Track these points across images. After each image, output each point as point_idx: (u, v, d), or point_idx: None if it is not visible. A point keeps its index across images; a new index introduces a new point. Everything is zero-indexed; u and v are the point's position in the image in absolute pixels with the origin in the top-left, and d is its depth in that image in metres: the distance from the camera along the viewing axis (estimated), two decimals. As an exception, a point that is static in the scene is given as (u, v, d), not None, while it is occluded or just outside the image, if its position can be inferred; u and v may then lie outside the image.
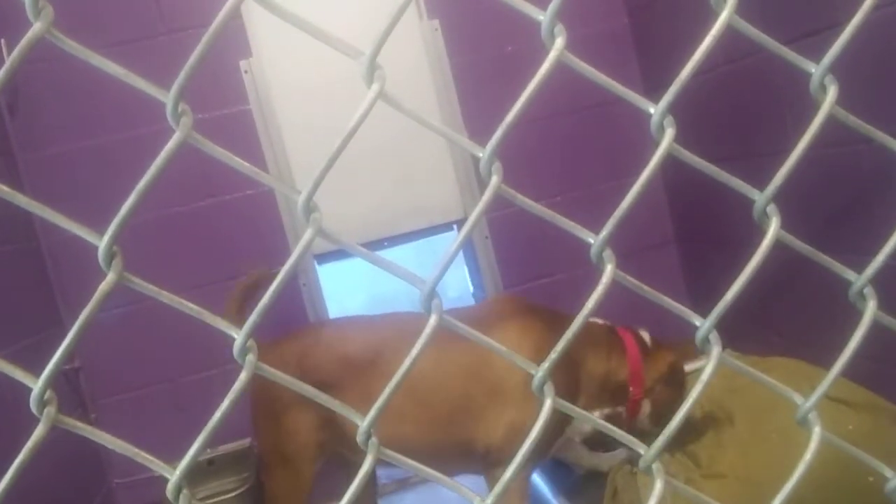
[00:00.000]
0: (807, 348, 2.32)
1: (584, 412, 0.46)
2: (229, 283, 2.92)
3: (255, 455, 2.97)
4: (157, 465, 0.38)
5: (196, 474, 2.91)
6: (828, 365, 1.78)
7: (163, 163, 0.37)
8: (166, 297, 0.37)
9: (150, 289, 0.37)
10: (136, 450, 0.39)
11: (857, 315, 0.50)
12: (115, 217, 0.37)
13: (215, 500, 2.76)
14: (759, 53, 2.30)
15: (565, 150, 3.12)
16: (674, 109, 0.44)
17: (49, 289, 2.83)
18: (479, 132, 2.99)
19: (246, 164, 0.38)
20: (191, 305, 0.38)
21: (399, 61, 2.94)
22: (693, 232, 3.09)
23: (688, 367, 2.49)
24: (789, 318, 2.37)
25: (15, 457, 0.44)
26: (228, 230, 2.93)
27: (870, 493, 1.62)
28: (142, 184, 0.36)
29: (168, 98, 0.37)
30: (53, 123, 2.81)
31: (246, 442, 2.98)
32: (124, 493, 2.91)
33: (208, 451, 2.98)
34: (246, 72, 2.90)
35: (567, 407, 0.44)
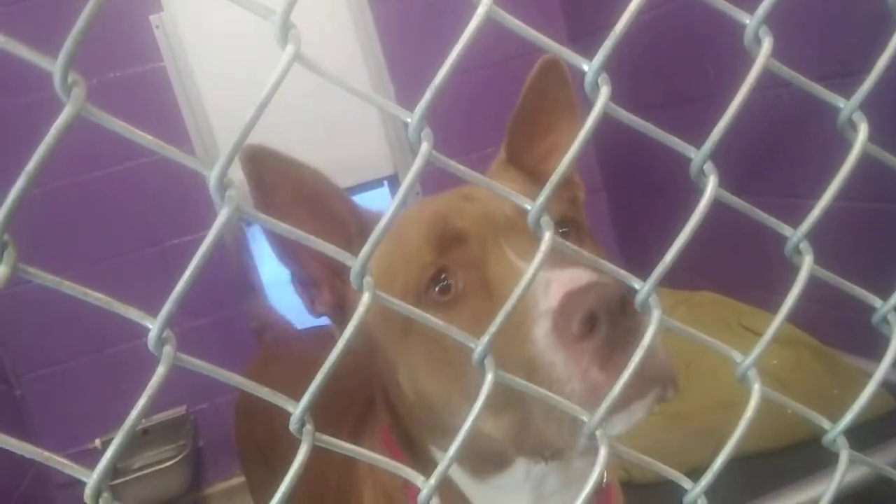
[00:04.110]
0: (732, 291, 2.40)
1: (525, 382, 0.45)
2: (151, 251, 2.83)
3: (191, 423, 2.92)
4: (71, 468, 0.35)
5: (131, 445, 2.84)
6: (751, 302, 1.82)
7: (54, 140, 0.33)
8: (68, 286, 0.34)
9: (50, 279, 0.34)
10: (47, 453, 0.35)
11: (779, 257, 0.50)
12: (3, 203, 0.34)
13: (151, 469, 2.71)
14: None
15: (492, 101, 3.08)
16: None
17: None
18: (407, 87, 2.92)
19: (148, 136, 0.35)
20: (98, 295, 0.35)
21: (318, 13, 2.84)
22: (621, 179, 3.12)
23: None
24: (715, 261, 2.43)
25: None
26: (149, 194, 2.82)
27: (785, 423, 1.69)
28: (31, 165, 0.33)
29: (56, 67, 0.33)
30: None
31: (181, 409, 2.93)
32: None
33: (143, 420, 2.91)
34: (157, 27, 2.75)
35: (510, 379, 0.42)
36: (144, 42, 2.75)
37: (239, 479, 2.98)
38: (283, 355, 1.60)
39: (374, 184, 3.05)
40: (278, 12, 0.35)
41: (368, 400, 1.01)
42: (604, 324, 0.57)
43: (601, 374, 0.57)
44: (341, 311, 0.86)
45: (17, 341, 2.81)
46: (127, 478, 2.72)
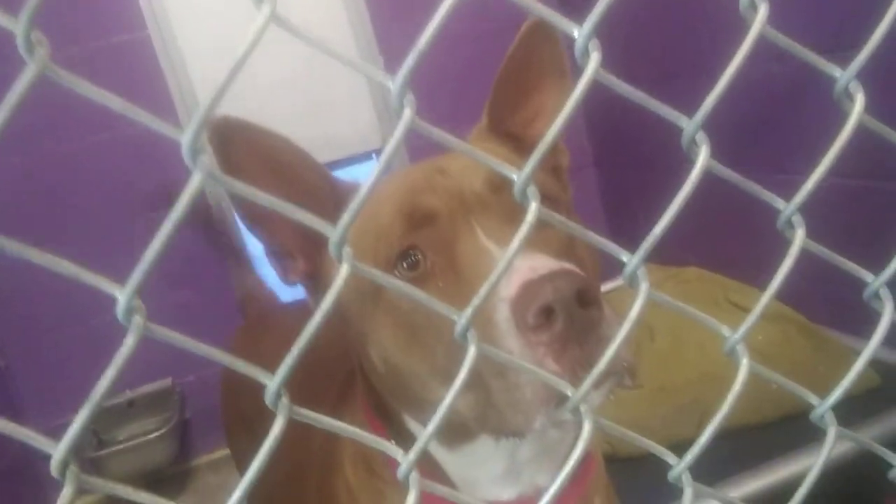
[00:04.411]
0: (720, 267, 2.40)
1: (501, 352, 0.44)
2: (137, 223, 2.80)
3: (177, 394, 2.92)
4: (37, 440, 0.34)
5: (115, 417, 2.84)
6: (739, 278, 1.81)
7: (17, 101, 0.31)
8: (35, 255, 0.33)
9: (13, 247, 0.32)
10: (12, 425, 0.34)
11: (768, 233, 0.49)
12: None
13: (136, 441, 2.71)
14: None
15: (481, 74, 3.04)
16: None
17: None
18: (395, 59, 2.88)
19: (118, 99, 0.33)
20: (66, 264, 0.33)
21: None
22: (611, 154, 3.11)
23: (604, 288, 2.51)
24: (704, 238, 2.43)
25: None
26: (130, 165, 2.78)
27: (768, 398, 1.70)
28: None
29: (18, 26, 0.31)
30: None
31: (167, 381, 2.92)
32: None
33: (128, 391, 2.91)
34: (142, -6, 2.71)
35: (493, 352, 0.41)
36: (129, 10, 2.70)
37: (226, 451, 2.97)
38: (268, 328, 1.59)
39: (362, 157, 3.03)
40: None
41: (350, 373, 1.00)
42: (560, 316, 0.57)
43: (555, 365, 0.57)
44: (315, 281, 0.84)
45: (2, 312, 2.79)
46: (111, 449, 2.71)
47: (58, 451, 0.34)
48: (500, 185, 0.75)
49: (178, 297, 2.77)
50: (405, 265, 0.73)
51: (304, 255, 0.83)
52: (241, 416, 1.52)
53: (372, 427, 0.89)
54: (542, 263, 0.61)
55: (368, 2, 2.90)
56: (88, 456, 2.66)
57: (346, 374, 1.04)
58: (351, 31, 2.88)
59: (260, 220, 0.79)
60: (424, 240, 0.73)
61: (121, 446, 2.73)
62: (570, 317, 0.57)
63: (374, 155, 3.04)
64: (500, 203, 0.74)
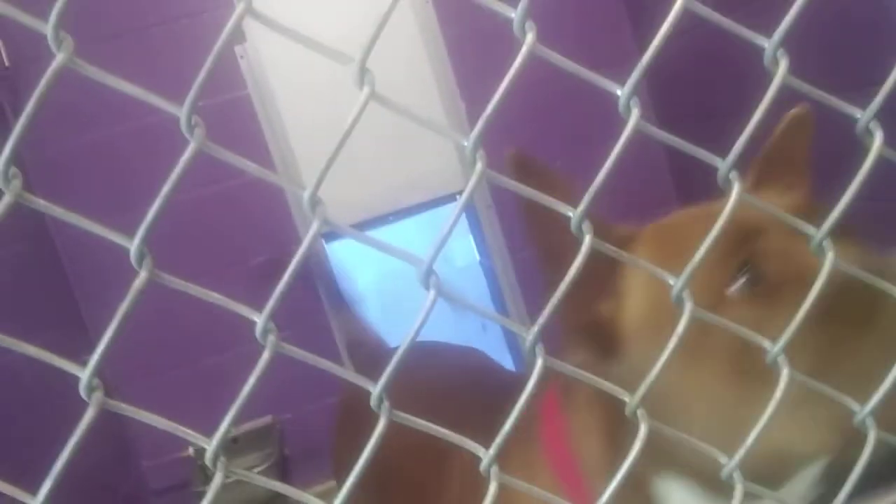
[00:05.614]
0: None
1: (576, 369, 0.50)
2: (237, 269, 2.98)
3: (277, 431, 3.05)
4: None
5: (222, 453, 2.98)
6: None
7: (182, 171, 0.41)
8: (194, 289, 0.42)
9: (178, 283, 0.42)
10: (176, 425, 0.44)
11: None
12: (143, 220, 0.42)
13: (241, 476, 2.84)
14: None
15: (564, 108, 3.12)
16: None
17: (66, 285, 2.91)
18: (478, 101, 3.00)
19: (253, 164, 0.43)
20: (217, 296, 0.42)
21: (390, 36, 2.96)
22: (687, 165, 3.11)
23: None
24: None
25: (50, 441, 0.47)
26: (231, 216, 2.97)
27: None
28: (166, 189, 0.41)
29: (182, 112, 0.41)
30: (57, 120, 2.83)
31: (268, 419, 3.05)
32: (154, 474, 3.00)
33: (232, 429, 3.05)
34: (242, 57, 2.92)
35: (560, 365, 0.48)
36: (230, 71, 2.92)
37: (323, 487, 3.09)
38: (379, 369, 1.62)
39: (446, 199, 3.11)
40: (356, 59, 0.42)
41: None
42: None
43: None
44: (601, 329, 0.78)
45: (117, 351, 3.00)
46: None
47: (212, 445, 0.43)
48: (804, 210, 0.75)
49: (281, 336, 2.91)
50: (745, 282, 0.67)
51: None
52: (357, 447, 1.56)
53: (568, 484, 0.82)
54: None
55: (449, 49, 3.03)
56: (198, 490, 2.81)
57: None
58: (434, 81, 3.02)
59: (547, 246, 0.78)
60: (759, 252, 0.68)
61: (227, 481, 2.86)
62: None
63: (457, 197, 3.14)
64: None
